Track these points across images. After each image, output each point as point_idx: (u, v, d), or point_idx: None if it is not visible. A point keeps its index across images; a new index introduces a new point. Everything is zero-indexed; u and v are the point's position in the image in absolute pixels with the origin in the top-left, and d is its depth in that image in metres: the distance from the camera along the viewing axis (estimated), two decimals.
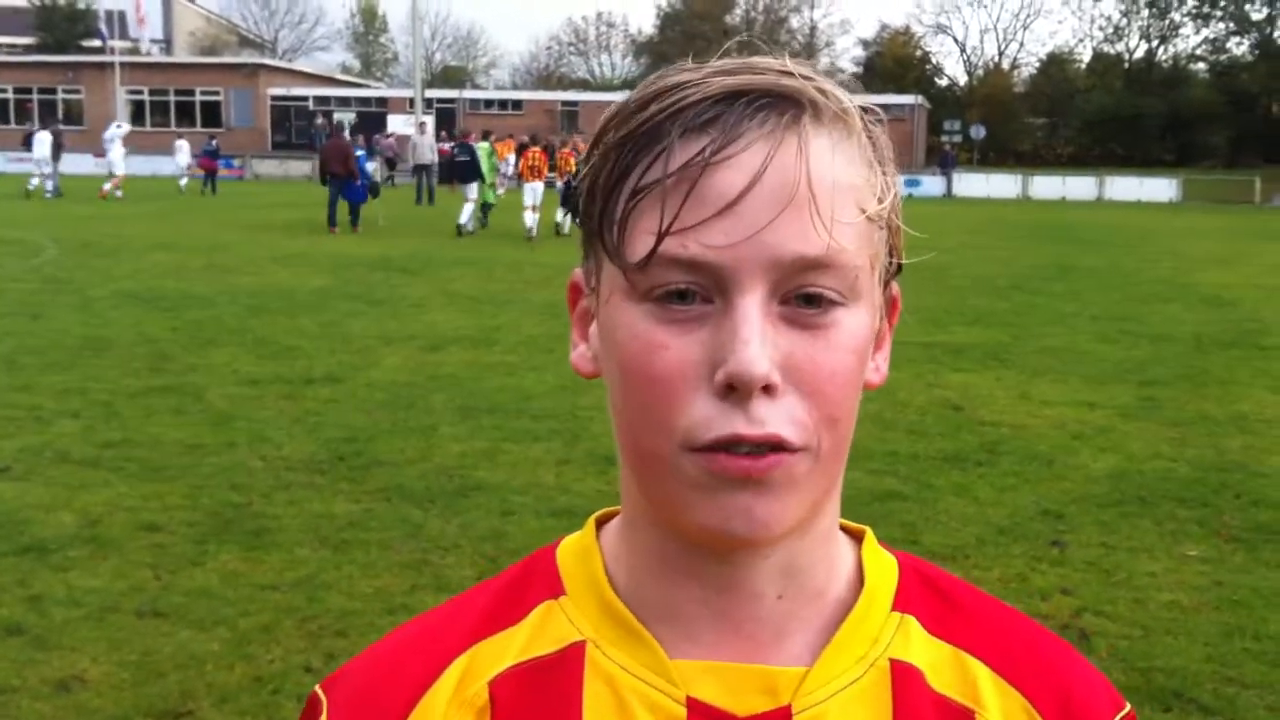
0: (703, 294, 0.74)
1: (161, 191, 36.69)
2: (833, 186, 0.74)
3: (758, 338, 0.72)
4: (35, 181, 35.74)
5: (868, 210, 0.76)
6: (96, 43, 62.21)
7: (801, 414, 0.74)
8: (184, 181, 38.86)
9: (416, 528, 5.91)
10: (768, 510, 0.75)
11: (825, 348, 0.75)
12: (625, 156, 0.76)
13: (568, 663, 0.83)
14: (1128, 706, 0.89)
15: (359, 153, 25.72)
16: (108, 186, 33.63)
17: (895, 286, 0.84)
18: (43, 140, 36.33)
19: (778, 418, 0.73)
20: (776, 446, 0.73)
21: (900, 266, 0.83)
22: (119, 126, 35.72)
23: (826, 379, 0.75)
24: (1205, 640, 4.75)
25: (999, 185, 48.66)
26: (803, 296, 0.74)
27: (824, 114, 0.76)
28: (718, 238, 0.73)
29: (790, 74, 0.76)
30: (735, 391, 0.72)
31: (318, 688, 0.88)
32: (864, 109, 0.80)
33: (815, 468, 0.76)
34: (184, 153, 39.84)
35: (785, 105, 0.75)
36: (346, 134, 27.71)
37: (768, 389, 0.73)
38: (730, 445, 0.73)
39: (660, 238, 0.73)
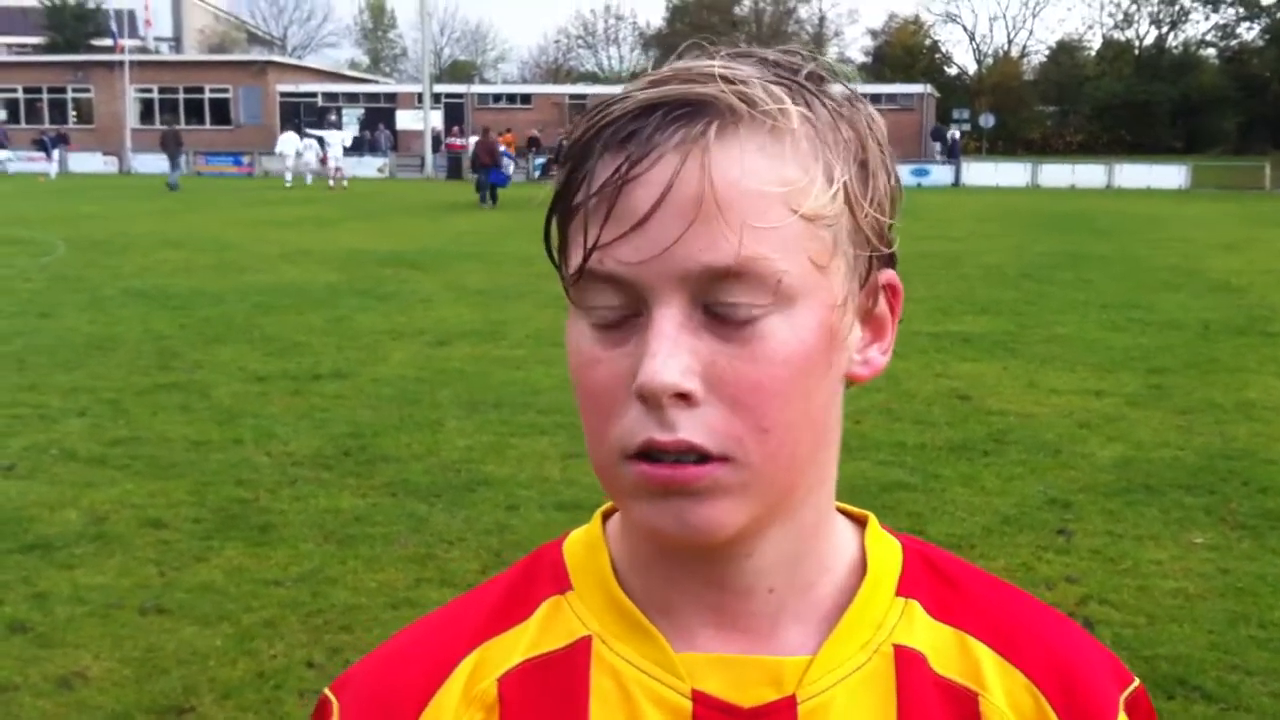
0: (632, 308, 0.75)
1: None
2: (747, 193, 0.73)
3: (665, 349, 0.73)
4: (290, 176, 39.40)
5: (802, 210, 0.74)
6: (106, 42, 62.35)
7: (722, 423, 0.74)
8: (310, 178, 40.57)
9: (421, 522, 5.91)
10: (699, 516, 0.75)
11: (749, 358, 0.74)
12: (561, 176, 0.78)
13: (575, 658, 0.83)
14: (1136, 681, 0.89)
15: (501, 149, 33.04)
16: (332, 181, 37.36)
17: (890, 275, 0.82)
18: (289, 139, 40.35)
19: (692, 425, 0.73)
20: (698, 455, 0.74)
21: (893, 256, 0.82)
22: (339, 130, 40.26)
23: (749, 390, 0.74)
24: (1210, 628, 4.73)
25: (1008, 174, 48.38)
26: (719, 309, 0.74)
27: (742, 119, 0.74)
28: (630, 254, 0.74)
29: (710, 78, 0.75)
30: (648, 401, 0.73)
31: (327, 690, 0.88)
32: (839, 99, 0.79)
33: (749, 477, 0.75)
34: (312, 150, 40.88)
35: (699, 114, 0.74)
36: (493, 135, 34.49)
37: (686, 398, 0.73)
38: (650, 453, 0.74)
39: (586, 255, 0.75)
